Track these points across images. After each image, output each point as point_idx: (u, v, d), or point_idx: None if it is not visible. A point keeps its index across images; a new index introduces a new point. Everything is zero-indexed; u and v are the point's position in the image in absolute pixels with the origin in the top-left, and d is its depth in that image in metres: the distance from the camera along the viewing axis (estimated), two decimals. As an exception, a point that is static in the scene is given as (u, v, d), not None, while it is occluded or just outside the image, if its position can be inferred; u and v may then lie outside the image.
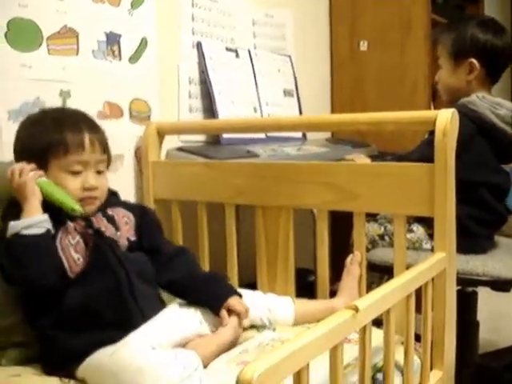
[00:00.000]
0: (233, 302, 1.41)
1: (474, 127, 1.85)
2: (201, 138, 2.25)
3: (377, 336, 1.19)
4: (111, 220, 1.44)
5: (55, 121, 1.41)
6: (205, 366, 1.24)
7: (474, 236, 1.87)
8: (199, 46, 2.26)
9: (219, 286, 1.48)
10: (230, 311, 1.40)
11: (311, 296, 1.69)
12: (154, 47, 2.06)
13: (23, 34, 1.70)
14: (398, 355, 1.30)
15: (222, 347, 1.34)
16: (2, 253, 1.27)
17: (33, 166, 1.35)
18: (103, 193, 1.44)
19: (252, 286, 1.76)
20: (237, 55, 2.41)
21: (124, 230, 1.45)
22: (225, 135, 2.20)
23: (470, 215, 1.84)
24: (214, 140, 2.24)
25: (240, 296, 1.45)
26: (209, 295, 1.43)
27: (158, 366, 1.14)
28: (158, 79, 2.09)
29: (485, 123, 1.87)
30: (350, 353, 1.23)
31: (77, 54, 1.84)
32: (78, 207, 1.34)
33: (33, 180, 1.33)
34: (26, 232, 1.27)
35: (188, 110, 2.23)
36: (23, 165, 1.35)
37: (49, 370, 1.29)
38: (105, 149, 1.45)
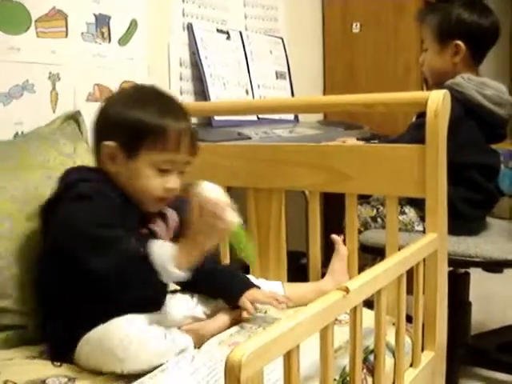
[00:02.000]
0: (253, 295, 1.38)
1: (462, 109, 1.84)
2: (192, 120, 2.22)
3: (368, 317, 1.19)
4: (164, 218, 1.36)
5: (160, 108, 1.28)
6: (196, 347, 1.25)
7: (465, 217, 1.87)
8: (190, 27, 2.24)
9: (236, 279, 1.44)
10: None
11: (304, 278, 1.68)
12: (144, 29, 2.04)
13: (11, 17, 1.68)
14: (390, 336, 1.30)
15: (215, 331, 1.34)
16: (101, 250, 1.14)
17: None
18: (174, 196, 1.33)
19: (244, 269, 1.75)
20: (228, 37, 2.40)
21: (171, 231, 1.38)
22: (216, 118, 2.19)
23: (462, 197, 1.84)
24: (206, 122, 2.23)
25: (258, 287, 1.43)
26: (226, 289, 1.41)
27: (145, 335, 1.13)
28: (149, 61, 2.07)
29: (472, 104, 1.86)
30: (341, 336, 1.23)
31: (66, 36, 1.82)
32: (253, 258, 1.30)
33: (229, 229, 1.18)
34: (169, 280, 1.17)
35: (179, 92, 2.22)
36: (228, 204, 1.17)
37: (52, 353, 1.26)
38: (196, 151, 1.33)
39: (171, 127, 1.25)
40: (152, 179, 1.26)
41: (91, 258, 1.13)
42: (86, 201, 1.19)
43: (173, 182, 1.28)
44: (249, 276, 1.56)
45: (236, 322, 1.39)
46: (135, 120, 1.25)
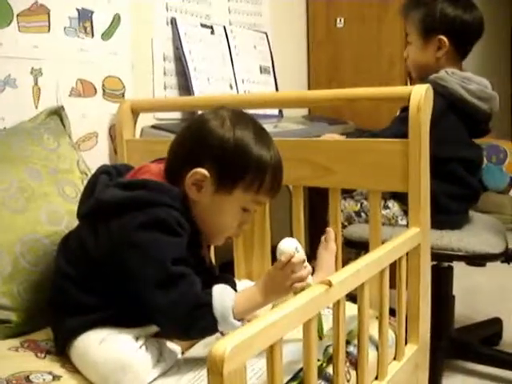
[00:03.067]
0: None
1: (445, 103, 1.85)
2: (176, 115, 2.23)
3: (351, 311, 1.20)
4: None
5: (268, 148, 1.21)
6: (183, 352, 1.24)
7: (448, 211, 1.88)
8: (173, 22, 2.23)
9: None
10: None
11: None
12: (127, 23, 2.03)
13: (-7, 11, 1.66)
14: (373, 330, 1.31)
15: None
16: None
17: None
18: None
19: (228, 264, 1.75)
20: (212, 31, 2.39)
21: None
22: (200, 112, 2.18)
23: (445, 191, 1.85)
24: (190, 117, 2.23)
25: None
26: None
27: (140, 367, 1.11)
28: (132, 56, 2.06)
29: (456, 99, 1.87)
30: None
31: (48, 31, 1.81)
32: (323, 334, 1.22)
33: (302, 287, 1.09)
34: (228, 320, 1.08)
35: (163, 87, 2.21)
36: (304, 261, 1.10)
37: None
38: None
39: (272, 169, 1.20)
40: (235, 216, 1.22)
41: (156, 291, 1.09)
42: (165, 231, 1.12)
43: (249, 220, 1.25)
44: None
45: None
46: (251, 158, 1.18)
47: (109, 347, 1.14)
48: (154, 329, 1.20)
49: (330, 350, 1.17)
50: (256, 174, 1.18)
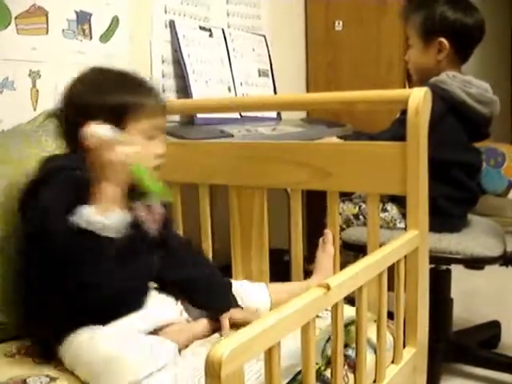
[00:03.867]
0: (234, 316, 1.39)
1: (445, 106, 1.85)
2: (174, 118, 2.23)
3: (349, 314, 1.20)
4: (152, 210, 1.35)
5: (135, 81, 1.34)
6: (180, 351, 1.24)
7: (447, 214, 1.88)
8: (172, 24, 2.23)
9: (222, 294, 1.45)
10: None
11: (286, 276, 1.69)
12: (125, 26, 2.03)
13: (-9, 13, 1.66)
14: (371, 333, 1.31)
15: (198, 336, 1.33)
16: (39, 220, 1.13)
17: (133, 142, 1.18)
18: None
19: (226, 267, 1.75)
20: (210, 34, 2.39)
21: (157, 221, 1.37)
22: (199, 115, 2.18)
23: (444, 194, 1.85)
24: (188, 120, 2.23)
25: (241, 308, 1.43)
26: (210, 303, 1.41)
27: (132, 359, 1.11)
28: (130, 58, 2.06)
29: (456, 102, 1.87)
30: (321, 323, 1.24)
31: (46, 33, 1.80)
32: (167, 193, 1.24)
33: (130, 163, 1.14)
34: (104, 233, 1.10)
35: (161, 89, 2.20)
36: (121, 137, 1.16)
37: (34, 343, 1.27)
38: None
39: (149, 95, 1.31)
40: (146, 147, 1.27)
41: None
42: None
43: (162, 146, 1.33)
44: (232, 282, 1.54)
45: (217, 329, 1.39)
46: (108, 96, 1.27)
47: (99, 344, 1.14)
48: (139, 324, 1.22)
49: (329, 352, 1.17)
50: (137, 106, 1.27)
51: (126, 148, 1.13)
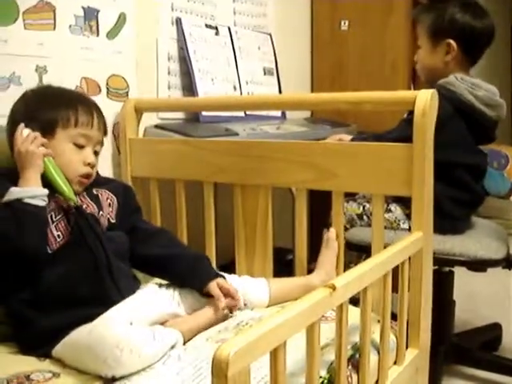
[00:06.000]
0: (221, 282, 1.41)
1: (451, 108, 1.85)
2: (179, 115, 2.22)
3: (354, 314, 1.20)
4: (95, 199, 1.44)
5: (66, 95, 1.50)
6: (184, 343, 1.26)
7: (451, 216, 1.88)
8: (179, 22, 2.23)
9: (204, 264, 1.49)
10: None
11: (290, 274, 1.69)
12: (132, 23, 2.03)
13: (-1, 8, 1.66)
14: (375, 333, 1.31)
15: (202, 326, 1.34)
16: None
17: (44, 140, 1.36)
18: (95, 173, 1.47)
19: (230, 265, 1.75)
20: (217, 32, 2.39)
21: (106, 210, 1.44)
22: (204, 113, 2.18)
23: (448, 196, 1.85)
24: (193, 118, 2.22)
25: (224, 278, 1.45)
26: (195, 273, 1.44)
27: (136, 341, 1.13)
28: (137, 55, 2.06)
29: (463, 104, 1.87)
30: (329, 333, 1.23)
31: (54, 28, 1.80)
32: (74, 196, 1.35)
33: (41, 154, 1.33)
34: (30, 201, 1.26)
35: (167, 87, 2.20)
36: (35, 134, 1.35)
37: (24, 350, 1.28)
38: (105, 132, 1.51)
39: (78, 107, 1.42)
40: (73, 153, 1.40)
41: None
42: None
43: (90, 156, 1.43)
44: (233, 276, 1.55)
45: (222, 319, 1.39)
46: (41, 109, 1.42)
47: (99, 332, 1.15)
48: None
49: (335, 364, 1.16)
50: (65, 116, 1.40)
51: (39, 142, 1.33)
